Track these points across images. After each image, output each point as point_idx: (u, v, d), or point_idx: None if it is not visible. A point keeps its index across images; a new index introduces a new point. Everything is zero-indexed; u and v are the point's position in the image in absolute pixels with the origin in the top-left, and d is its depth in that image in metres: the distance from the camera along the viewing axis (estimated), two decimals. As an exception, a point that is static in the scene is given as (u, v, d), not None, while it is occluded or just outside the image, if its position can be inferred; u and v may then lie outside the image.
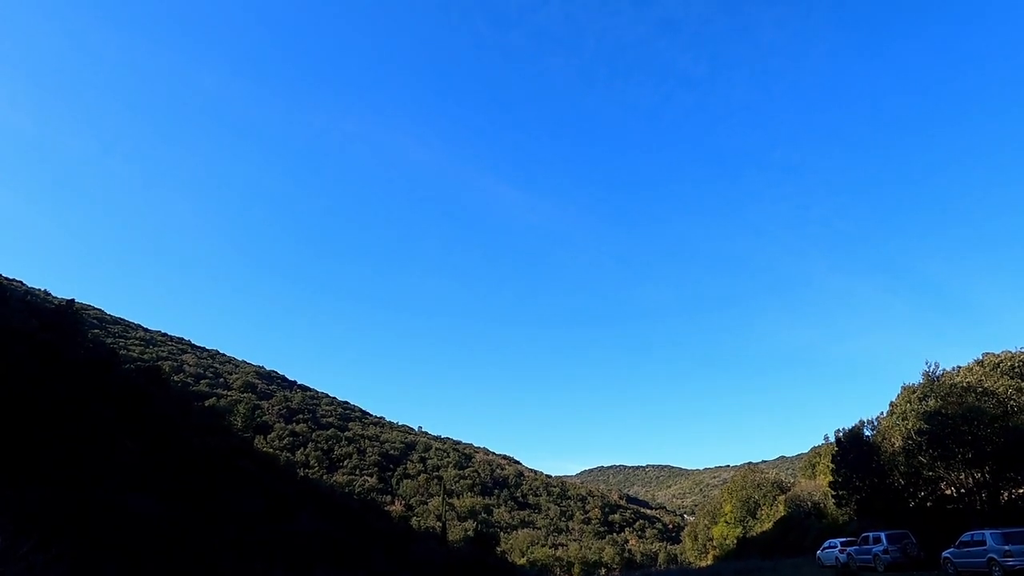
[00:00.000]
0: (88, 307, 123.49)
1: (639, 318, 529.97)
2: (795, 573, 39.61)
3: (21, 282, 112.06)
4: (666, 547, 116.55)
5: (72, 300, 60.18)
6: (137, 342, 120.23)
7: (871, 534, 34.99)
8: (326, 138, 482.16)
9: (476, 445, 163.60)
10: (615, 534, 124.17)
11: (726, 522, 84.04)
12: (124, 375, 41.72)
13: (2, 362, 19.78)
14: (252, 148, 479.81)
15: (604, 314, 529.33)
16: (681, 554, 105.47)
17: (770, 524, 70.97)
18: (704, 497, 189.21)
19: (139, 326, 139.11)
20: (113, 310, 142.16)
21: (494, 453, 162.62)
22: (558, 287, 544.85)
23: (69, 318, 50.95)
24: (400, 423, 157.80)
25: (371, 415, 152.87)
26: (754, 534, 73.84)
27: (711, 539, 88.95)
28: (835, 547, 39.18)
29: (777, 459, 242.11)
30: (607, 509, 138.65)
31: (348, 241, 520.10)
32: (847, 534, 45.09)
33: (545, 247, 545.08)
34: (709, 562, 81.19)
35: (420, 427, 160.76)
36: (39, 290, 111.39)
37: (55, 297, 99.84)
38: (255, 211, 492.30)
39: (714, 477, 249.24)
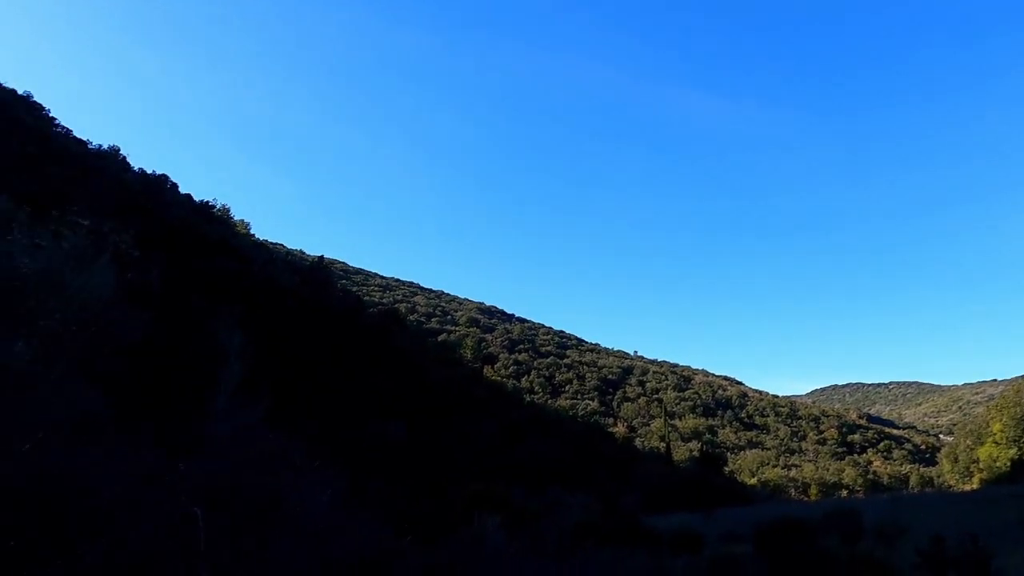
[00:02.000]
0: (334, 261, 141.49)
1: (870, 220, 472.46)
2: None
3: (282, 244, 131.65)
4: (919, 469, 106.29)
5: (322, 256, 69.60)
6: (376, 288, 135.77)
7: None
8: (518, 72, 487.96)
9: (694, 367, 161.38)
10: (856, 455, 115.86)
11: (995, 443, 74.09)
12: (370, 318, 47.56)
13: (278, 316, 23.66)
14: (443, 91, 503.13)
15: (828, 219, 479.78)
16: (938, 477, 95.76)
17: (1054, 445, 61.12)
18: (964, 415, 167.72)
19: (376, 274, 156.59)
20: (354, 262, 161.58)
21: (714, 374, 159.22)
22: (774, 194, 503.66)
23: (322, 272, 58.96)
24: (615, 348, 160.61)
25: (587, 342, 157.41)
26: (1032, 456, 64.27)
27: (976, 461, 79.22)
28: None
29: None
30: (845, 429, 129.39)
31: (554, 171, 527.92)
32: None
33: (754, 152, 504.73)
34: (975, 486, 72.64)
35: (635, 351, 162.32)
36: (296, 250, 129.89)
37: (309, 255, 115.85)
38: (455, 158, 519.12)
39: (976, 393, 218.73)
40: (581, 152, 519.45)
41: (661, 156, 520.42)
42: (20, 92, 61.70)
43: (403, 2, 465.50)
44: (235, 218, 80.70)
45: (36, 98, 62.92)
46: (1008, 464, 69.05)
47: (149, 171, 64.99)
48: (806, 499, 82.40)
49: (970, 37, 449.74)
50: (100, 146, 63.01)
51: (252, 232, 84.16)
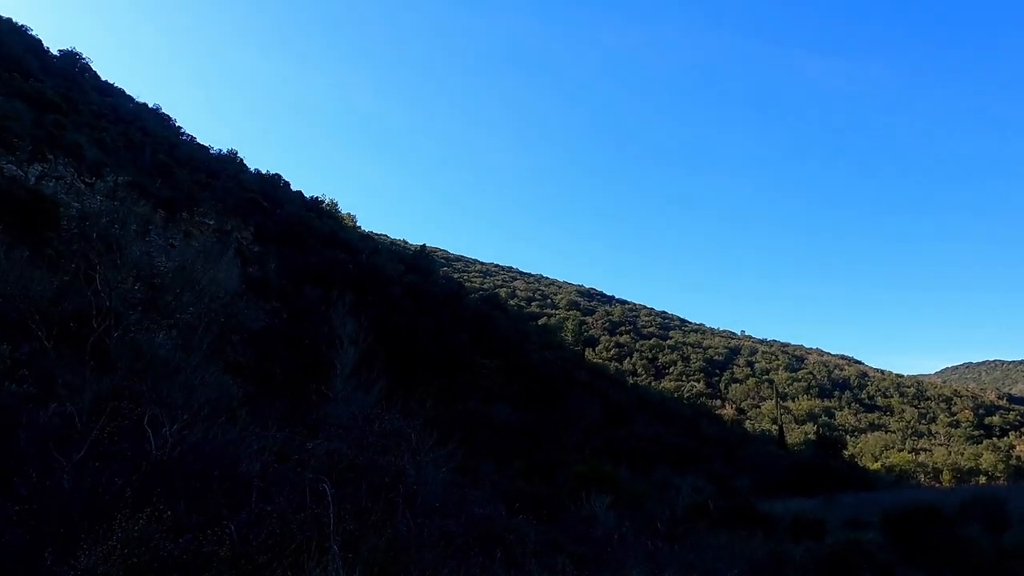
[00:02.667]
0: (436, 249, 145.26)
1: (1001, 177, 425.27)
2: None
3: (386, 235, 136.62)
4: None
5: (424, 245, 71.64)
6: (477, 274, 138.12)
7: None
8: (608, 47, 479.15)
9: (807, 346, 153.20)
10: (995, 439, 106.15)
11: None
12: (472, 304, 48.52)
13: (385, 303, 24.61)
14: (536, 73, 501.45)
15: (951, 182, 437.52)
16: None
17: None
18: None
19: (476, 260, 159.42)
20: (455, 249, 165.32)
21: (829, 353, 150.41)
22: (889, 161, 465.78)
23: (424, 259, 60.65)
24: (721, 328, 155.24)
25: (690, 322, 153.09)
26: None
27: None
28: None
29: None
30: (982, 411, 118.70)
31: (649, 149, 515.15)
32: None
33: (870, 116, 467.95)
34: None
35: (743, 331, 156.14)
36: (400, 240, 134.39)
37: (411, 244, 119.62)
38: (550, 142, 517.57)
39: None
40: (676, 129, 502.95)
41: (762, 128, 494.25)
42: (151, 105, 67.41)
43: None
44: (342, 211, 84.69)
45: (164, 109, 68.65)
46: None
47: (264, 171, 69.42)
48: (938, 485, 76.56)
49: None
50: (220, 150, 67.90)
51: (358, 224, 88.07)
